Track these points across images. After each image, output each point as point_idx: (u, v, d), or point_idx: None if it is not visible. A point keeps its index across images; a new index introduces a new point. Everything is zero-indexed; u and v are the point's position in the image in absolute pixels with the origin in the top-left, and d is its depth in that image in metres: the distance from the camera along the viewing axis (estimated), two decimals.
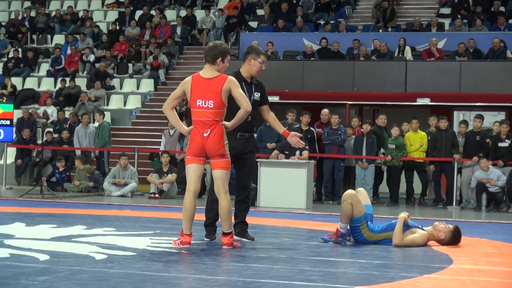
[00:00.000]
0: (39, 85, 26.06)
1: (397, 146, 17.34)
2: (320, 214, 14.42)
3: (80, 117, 21.02)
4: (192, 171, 8.27)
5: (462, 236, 9.30)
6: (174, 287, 5.94)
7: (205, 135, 8.13)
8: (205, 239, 8.94)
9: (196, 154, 8.21)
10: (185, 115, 20.37)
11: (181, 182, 18.42)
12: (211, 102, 8.13)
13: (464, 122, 18.16)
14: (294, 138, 9.11)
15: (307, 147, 16.47)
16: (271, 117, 9.24)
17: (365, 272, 6.92)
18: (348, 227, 9.06)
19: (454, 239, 9.18)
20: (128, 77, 25.77)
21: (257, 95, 9.06)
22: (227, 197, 8.23)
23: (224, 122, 8.22)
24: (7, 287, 5.63)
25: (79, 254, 7.44)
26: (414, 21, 24.89)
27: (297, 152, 16.17)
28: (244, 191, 9.10)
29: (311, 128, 17.82)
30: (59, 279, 5.98)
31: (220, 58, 8.31)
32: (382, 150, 17.60)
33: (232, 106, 8.26)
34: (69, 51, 26.65)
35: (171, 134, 19.27)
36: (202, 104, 8.15)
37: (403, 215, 9.05)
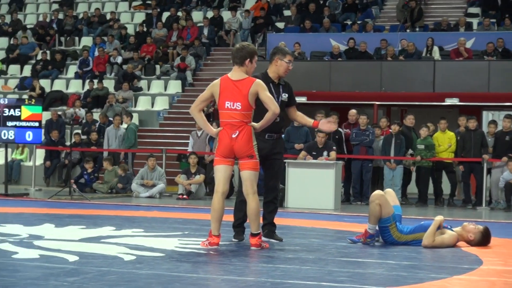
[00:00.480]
0: (67, 87, 26.20)
1: (426, 146, 17.25)
2: (348, 215, 14.38)
3: (112, 118, 21.06)
4: (221, 172, 8.28)
5: (492, 237, 9.23)
6: None
7: (233, 136, 8.14)
8: (233, 240, 8.93)
9: (225, 155, 8.21)
10: (212, 116, 20.39)
11: (209, 183, 18.45)
12: (238, 104, 8.14)
13: (494, 122, 18.04)
14: (326, 125, 9.08)
15: (334, 147, 16.44)
16: (299, 115, 9.24)
17: (394, 273, 6.88)
18: (377, 228, 9.02)
19: (483, 240, 9.12)
20: (155, 78, 25.84)
21: (284, 96, 9.05)
22: (255, 198, 8.23)
23: (252, 123, 8.22)
24: (37, 287, 5.66)
25: (108, 255, 7.46)
26: (442, 21, 24.75)
27: (325, 153, 16.15)
28: (273, 192, 9.08)
29: (339, 129, 17.77)
30: (88, 280, 6.00)
31: (248, 59, 8.32)
32: (410, 151, 17.51)
33: (260, 108, 8.26)
34: (96, 53, 26.79)
35: (199, 135, 19.31)
36: (230, 106, 8.16)
37: (439, 218, 8.99)
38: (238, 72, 8.31)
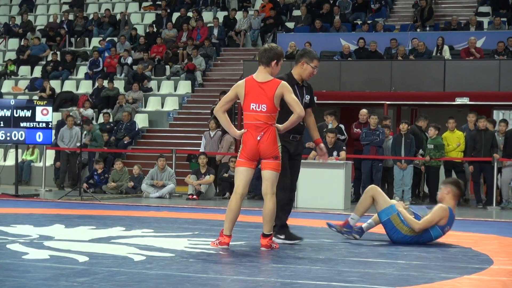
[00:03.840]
0: (77, 88, 26.27)
1: (435, 146, 17.22)
2: None
3: (65, 119, 21.21)
4: (243, 174, 8.25)
5: (503, 236, 9.21)
6: None
7: (258, 138, 8.12)
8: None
9: (250, 158, 8.19)
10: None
11: (219, 183, 18.47)
12: (264, 106, 8.11)
13: (504, 121, 17.98)
14: (322, 157, 9.23)
15: (344, 147, 16.45)
16: (312, 121, 9.24)
17: (404, 273, 6.87)
18: (382, 225, 9.10)
19: (457, 188, 9.27)
20: (165, 79, 25.88)
21: (307, 98, 9.05)
22: (273, 199, 8.20)
23: (276, 125, 8.20)
24: None
25: (118, 255, 7.46)
26: (452, 20, 24.71)
27: (335, 153, 16.14)
28: (290, 193, 9.09)
29: (340, 125, 17.84)
30: (98, 280, 6.01)
31: (275, 61, 8.29)
32: (420, 151, 17.47)
33: (284, 110, 8.25)
34: (107, 54, 26.83)
35: (212, 135, 19.31)
36: (255, 107, 8.13)
37: (399, 208, 9.03)
38: (263, 73, 8.27)
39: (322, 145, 9.25)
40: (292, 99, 8.13)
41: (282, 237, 8.87)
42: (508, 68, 21.12)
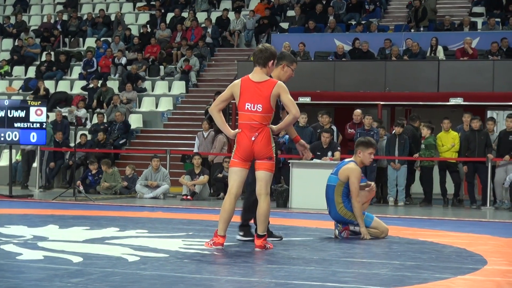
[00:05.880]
0: (71, 88, 26.23)
1: (426, 146, 17.24)
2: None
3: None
4: (237, 174, 8.23)
5: (498, 237, 9.22)
6: None
7: (252, 139, 8.11)
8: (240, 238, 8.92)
9: (244, 158, 8.17)
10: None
11: (213, 183, 18.46)
12: (259, 106, 8.10)
13: (491, 119, 18.01)
14: (302, 148, 9.07)
15: (339, 147, 16.44)
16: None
17: (398, 273, 6.87)
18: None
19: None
20: (159, 79, 25.87)
21: None
22: (267, 199, 8.19)
23: (270, 125, 8.19)
24: None
25: (112, 256, 7.46)
26: (445, 20, 24.73)
27: (329, 153, 16.14)
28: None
29: (332, 127, 17.81)
30: (92, 281, 6.00)
31: (272, 61, 8.30)
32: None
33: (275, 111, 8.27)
34: (100, 54, 26.81)
35: (205, 136, 19.31)
36: (250, 107, 8.12)
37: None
38: (260, 73, 8.26)
39: (302, 141, 9.17)
40: (288, 99, 8.11)
41: (241, 233, 8.93)
42: (502, 68, 21.14)
